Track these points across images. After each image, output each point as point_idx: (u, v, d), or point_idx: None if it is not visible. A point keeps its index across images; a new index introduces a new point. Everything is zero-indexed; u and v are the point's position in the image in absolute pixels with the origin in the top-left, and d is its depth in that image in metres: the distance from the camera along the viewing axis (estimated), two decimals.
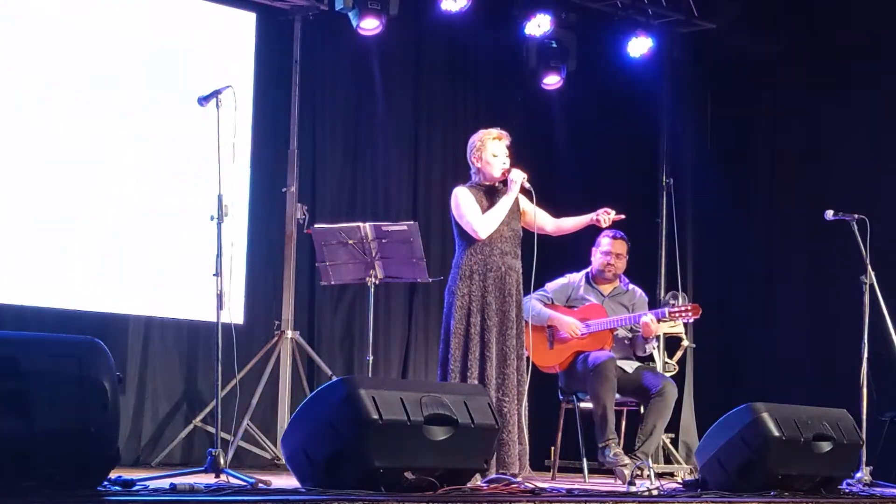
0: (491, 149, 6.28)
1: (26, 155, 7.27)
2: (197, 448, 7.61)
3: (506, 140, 6.32)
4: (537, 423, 8.27)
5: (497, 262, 6.19)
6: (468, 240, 6.22)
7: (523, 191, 6.32)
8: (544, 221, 6.52)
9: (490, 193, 6.29)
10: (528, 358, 6.98)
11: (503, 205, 6.23)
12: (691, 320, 7.54)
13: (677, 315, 7.07)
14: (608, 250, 7.21)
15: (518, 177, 6.24)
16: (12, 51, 7.31)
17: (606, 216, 6.53)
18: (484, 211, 6.23)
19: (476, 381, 6.01)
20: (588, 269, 7.32)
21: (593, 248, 7.28)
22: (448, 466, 4.79)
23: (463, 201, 6.25)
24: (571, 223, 6.63)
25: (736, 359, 9.20)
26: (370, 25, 8.07)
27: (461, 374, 6.11)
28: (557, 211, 9.43)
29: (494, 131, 6.33)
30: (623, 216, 6.61)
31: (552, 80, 9.07)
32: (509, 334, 6.16)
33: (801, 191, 9.10)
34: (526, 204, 6.41)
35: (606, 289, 7.27)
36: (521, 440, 6.14)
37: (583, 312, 7.13)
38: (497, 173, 6.28)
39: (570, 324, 7.06)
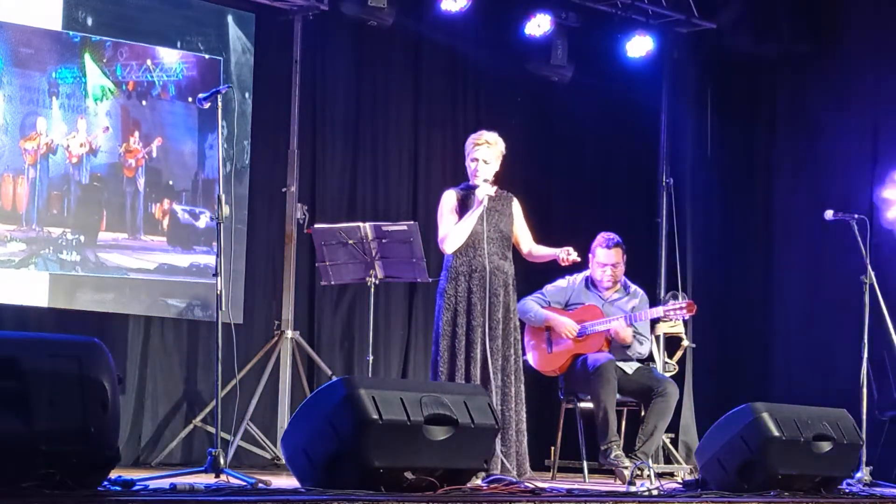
0: (470, 154, 6.36)
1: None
2: (197, 448, 7.61)
3: (493, 147, 6.32)
4: (537, 423, 8.27)
5: (482, 262, 6.21)
6: (443, 251, 6.29)
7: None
8: (522, 243, 6.51)
9: (472, 197, 6.34)
10: (525, 361, 7.03)
11: (468, 222, 6.26)
12: (687, 317, 7.52)
13: (672, 312, 7.07)
14: (604, 262, 7.18)
15: (481, 193, 6.26)
16: None
17: (567, 255, 6.47)
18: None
19: (463, 382, 6.03)
20: (588, 273, 7.30)
21: (590, 256, 7.25)
22: (448, 466, 4.79)
23: (442, 208, 6.37)
24: (541, 252, 6.59)
25: (736, 359, 9.19)
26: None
27: (449, 374, 6.16)
28: (556, 211, 9.47)
29: (475, 136, 6.40)
30: (579, 259, 6.55)
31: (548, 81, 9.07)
32: (493, 335, 6.19)
33: (801, 191, 9.10)
34: (517, 215, 6.41)
35: (607, 293, 7.25)
36: (506, 441, 6.14)
37: (579, 314, 7.12)
38: (475, 180, 6.33)
39: (564, 324, 7.05)
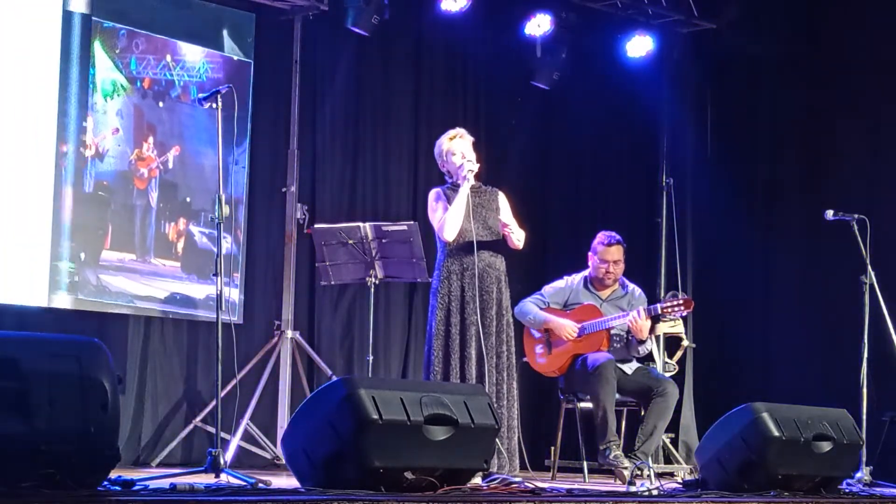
0: (447, 148, 6.35)
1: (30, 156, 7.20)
2: (197, 448, 7.61)
3: (463, 138, 6.35)
4: (537, 423, 8.28)
5: (473, 260, 6.21)
6: (445, 240, 6.28)
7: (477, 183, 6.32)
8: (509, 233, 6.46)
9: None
10: (525, 362, 7.02)
11: (459, 201, 6.24)
12: (685, 314, 7.52)
13: (670, 310, 7.06)
14: (605, 258, 7.17)
15: (465, 170, 6.25)
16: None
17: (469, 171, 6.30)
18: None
19: (458, 381, 6.04)
20: (587, 273, 7.30)
21: (590, 254, 7.25)
22: (448, 466, 4.79)
23: (431, 204, 6.36)
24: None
25: (736, 359, 9.19)
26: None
27: (443, 373, 6.16)
28: (556, 211, 9.47)
29: (450, 132, 6.41)
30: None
31: (548, 81, 9.06)
32: (487, 332, 6.20)
33: (801, 191, 9.10)
34: (503, 208, 6.40)
35: (605, 293, 7.25)
36: (498, 437, 6.15)
37: (578, 314, 7.12)
38: (461, 171, 6.31)
39: (564, 326, 7.06)
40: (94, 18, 7.19)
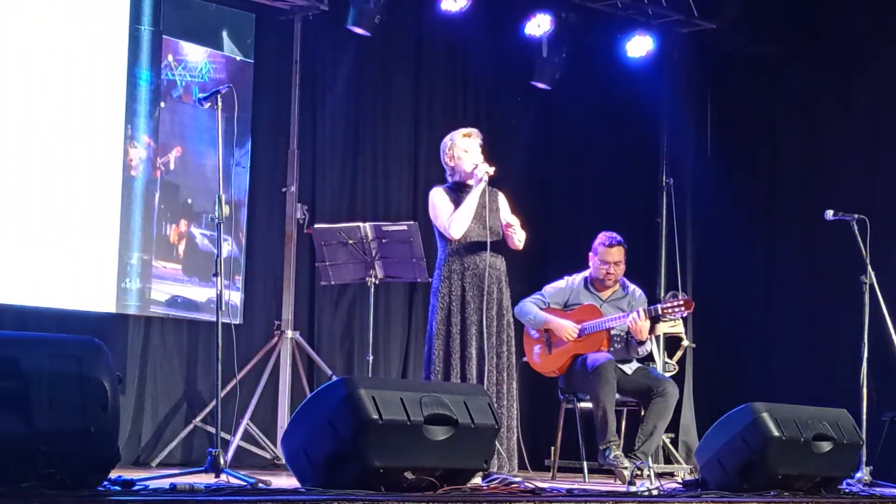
0: (461, 146, 6.34)
1: (28, 153, 7.16)
2: (197, 448, 7.61)
3: (476, 138, 6.34)
4: (537, 423, 8.28)
5: (475, 260, 6.21)
6: (446, 240, 6.28)
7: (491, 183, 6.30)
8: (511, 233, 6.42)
9: (465, 191, 6.31)
10: (524, 362, 7.02)
11: (470, 200, 6.23)
12: (685, 314, 7.52)
13: (670, 310, 7.06)
14: (606, 259, 7.16)
15: (480, 171, 6.24)
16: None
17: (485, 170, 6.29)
18: None
19: (458, 381, 6.05)
20: (587, 273, 7.30)
21: (590, 255, 7.25)
22: (448, 466, 4.79)
23: (436, 202, 6.34)
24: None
25: (736, 359, 9.19)
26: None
27: (444, 373, 6.17)
28: (556, 211, 9.47)
29: (463, 129, 6.41)
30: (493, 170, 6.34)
31: (549, 81, 9.06)
32: (488, 332, 6.19)
33: (801, 191, 9.10)
34: (504, 208, 6.40)
35: (605, 293, 7.25)
36: (497, 437, 6.14)
37: (578, 314, 7.12)
38: (468, 168, 6.29)
39: (564, 326, 7.06)
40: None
